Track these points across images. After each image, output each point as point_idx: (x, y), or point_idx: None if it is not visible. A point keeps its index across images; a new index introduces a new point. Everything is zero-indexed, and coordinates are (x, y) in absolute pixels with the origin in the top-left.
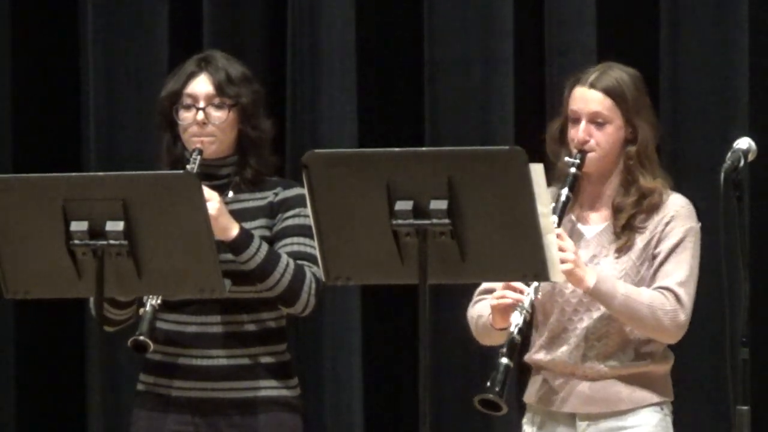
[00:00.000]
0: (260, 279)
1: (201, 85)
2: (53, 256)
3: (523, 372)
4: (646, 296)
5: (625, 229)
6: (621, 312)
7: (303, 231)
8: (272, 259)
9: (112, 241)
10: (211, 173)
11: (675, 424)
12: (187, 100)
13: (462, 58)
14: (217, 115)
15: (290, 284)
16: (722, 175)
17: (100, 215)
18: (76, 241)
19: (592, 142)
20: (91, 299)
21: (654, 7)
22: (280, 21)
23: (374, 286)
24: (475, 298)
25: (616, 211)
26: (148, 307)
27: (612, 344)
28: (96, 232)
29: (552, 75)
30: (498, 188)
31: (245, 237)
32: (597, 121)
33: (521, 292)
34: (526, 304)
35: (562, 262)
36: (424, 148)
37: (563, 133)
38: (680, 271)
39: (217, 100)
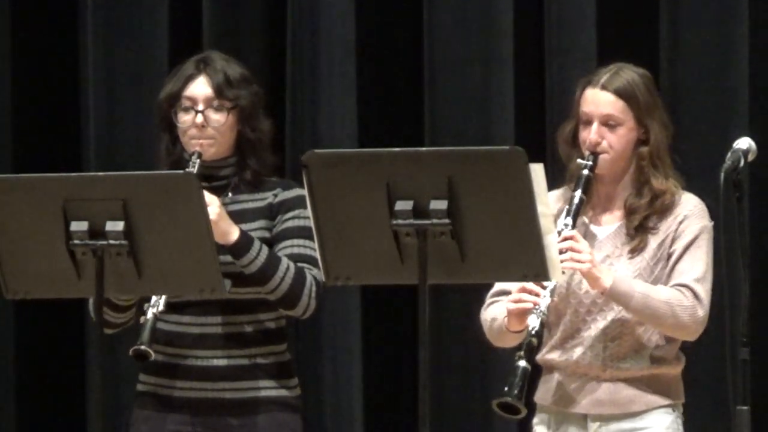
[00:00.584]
0: (261, 283)
1: (200, 88)
2: (53, 256)
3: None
4: (663, 294)
5: (638, 230)
6: (639, 311)
7: (303, 233)
8: (272, 262)
9: (112, 241)
10: (210, 174)
11: None
12: (186, 103)
13: (462, 58)
14: (216, 117)
15: (291, 287)
16: (722, 175)
17: (100, 215)
18: (76, 241)
19: (605, 143)
20: (90, 302)
21: (654, 7)
22: (280, 21)
23: (374, 286)
24: (488, 300)
25: (629, 212)
26: (149, 315)
27: (625, 346)
28: (96, 232)
29: (552, 75)
30: (498, 188)
31: (245, 241)
32: (609, 123)
33: (537, 294)
34: (543, 307)
35: (579, 262)
36: (424, 148)
37: (575, 135)
38: (696, 268)
39: (216, 103)
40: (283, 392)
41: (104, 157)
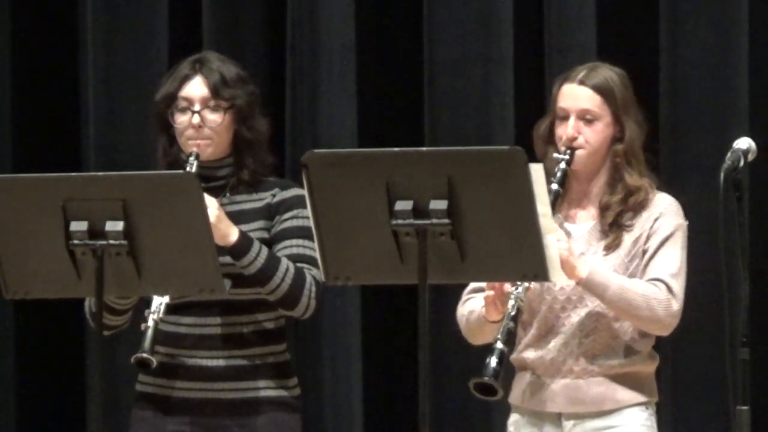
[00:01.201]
0: (260, 283)
1: (196, 88)
2: (53, 256)
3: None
4: (639, 287)
5: (612, 227)
6: (615, 302)
7: (302, 233)
8: (272, 263)
9: (111, 241)
10: (207, 175)
11: (675, 423)
12: (183, 103)
13: (462, 58)
14: (213, 117)
15: (290, 288)
16: (722, 175)
17: (99, 215)
18: (76, 241)
19: (581, 139)
20: (86, 306)
21: (654, 7)
22: (280, 21)
23: (374, 286)
24: (464, 297)
25: (603, 209)
26: (150, 322)
27: (600, 342)
28: (96, 232)
29: (552, 75)
30: (498, 188)
31: (245, 242)
32: (586, 117)
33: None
34: (521, 291)
35: None
36: (423, 148)
37: (551, 132)
38: (671, 264)
39: (212, 103)
40: (283, 392)
41: (104, 157)
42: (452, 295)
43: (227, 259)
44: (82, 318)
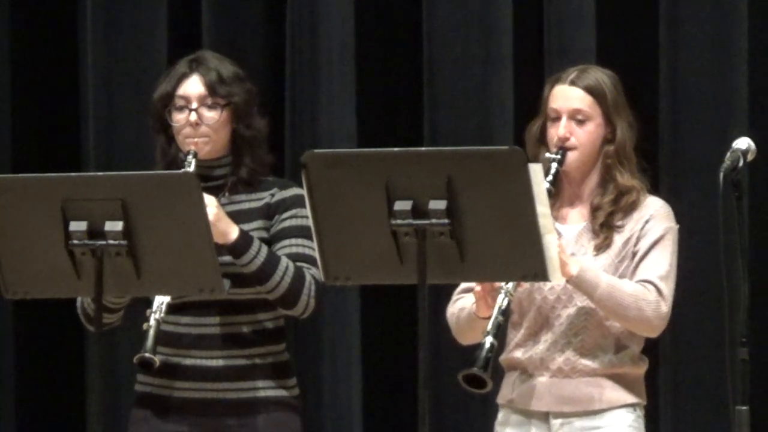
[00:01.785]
0: (260, 282)
1: (193, 86)
2: (52, 256)
3: (500, 375)
4: (628, 287)
5: (603, 228)
6: (604, 301)
7: (301, 232)
8: (272, 261)
9: (111, 241)
10: (206, 174)
11: (675, 423)
12: (180, 102)
13: (461, 58)
14: (210, 115)
15: (290, 287)
16: (721, 175)
17: (99, 215)
18: (75, 241)
19: (573, 139)
20: (78, 303)
21: (654, 8)
22: (280, 21)
23: (374, 286)
24: (455, 297)
25: (594, 209)
26: (151, 322)
27: (589, 341)
28: (95, 232)
29: (551, 75)
30: (497, 188)
31: (245, 240)
32: (577, 118)
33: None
34: (510, 286)
35: None
36: (423, 148)
37: (543, 133)
38: (660, 266)
39: (209, 101)
40: (282, 392)
41: (103, 157)
42: (451, 294)
43: (227, 258)
44: None
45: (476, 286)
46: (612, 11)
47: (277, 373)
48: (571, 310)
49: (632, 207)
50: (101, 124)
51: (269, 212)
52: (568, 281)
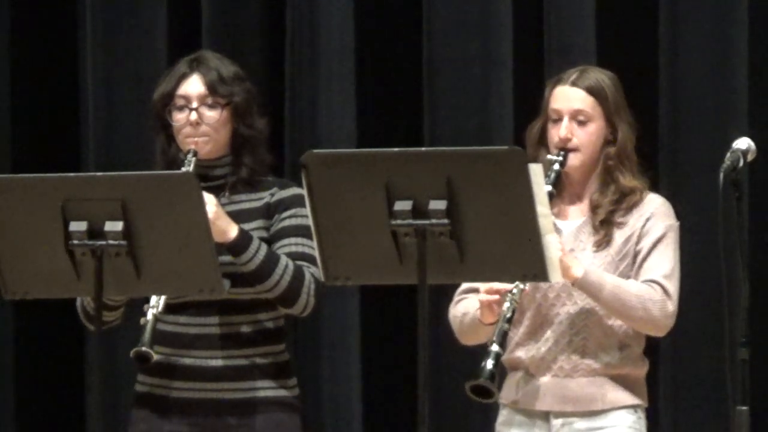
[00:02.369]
0: (260, 280)
1: (193, 86)
2: (52, 256)
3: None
4: (634, 287)
5: (603, 224)
6: (610, 302)
7: (301, 231)
8: (272, 260)
9: (111, 242)
10: (205, 174)
11: (675, 423)
12: (180, 101)
13: (461, 57)
14: (210, 114)
15: (290, 285)
16: (721, 175)
17: (99, 215)
18: (75, 242)
19: (575, 140)
20: (78, 303)
21: (654, 7)
22: (279, 21)
23: (374, 286)
24: (457, 297)
25: (594, 207)
26: (149, 317)
27: (591, 341)
28: (95, 232)
29: (552, 75)
30: (497, 188)
31: (244, 238)
32: (579, 118)
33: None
34: (516, 293)
35: None
36: (423, 148)
37: (543, 134)
38: (664, 265)
39: (209, 100)
40: (282, 392)
41: (103, 157)
42: (452, 294)
43: (227, 258)
44: None
45: (481, 294)
46: (612, 11)
47: (277, 373)
48: (571, 309)
49: (634, 205)
50: (101, 124)
51: (269, 212)
52: (573, 284)
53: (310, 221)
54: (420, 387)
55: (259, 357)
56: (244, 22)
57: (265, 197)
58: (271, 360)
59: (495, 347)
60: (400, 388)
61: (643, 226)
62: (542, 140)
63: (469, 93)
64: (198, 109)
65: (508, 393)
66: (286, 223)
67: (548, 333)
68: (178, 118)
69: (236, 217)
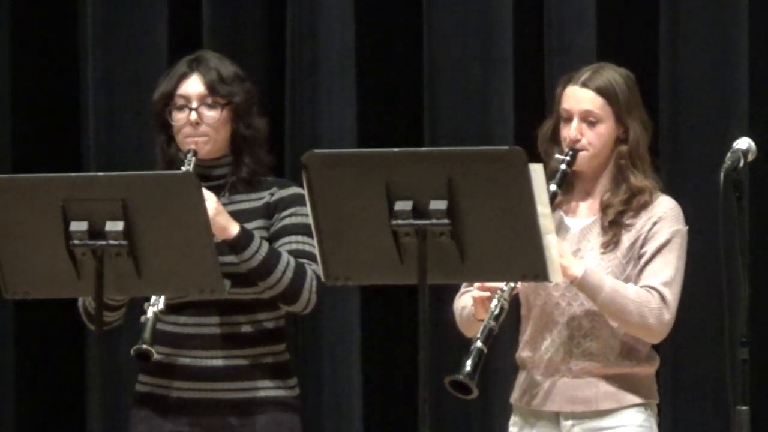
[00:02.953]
0: (262, 277)
1: (193, 86)
2: (53, 256)
3: (513, 372)
4: (632, 292)
5: (612, 225)
6: (606, 305)
7: (301, 229)
8: (273, 257)
9: (111, 242)
10: (205, 174)
11: (675, 423)
12: (180, 101)
13: (462, 58)
14: (210, 114)
15: (291, 282)
16: (722, 175)
17: (99, 215)
18: (76, 242)
19: (584, 140)
20: (79, 303)
21: (654, 7)
22: (280, 21)
23: (374, 286)
24: (462, 289)
25: (604, 207)
26: (149, 315)
27: (598, 341)
28: (95, 232)
29: (552, 75)
30: (497, 188)
31: (246, 235)
32: (589, 119)
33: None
34: (505, 291)
35: None
36: (423, 148)
37: (555, 132)
38: (666, 272)
39: (209, 100)
40: (282, 392)
41: (104, 157)
42: (452, 294)
43: (227, 258)
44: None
45: (474, 291)
46: (612, 11)
47: (277, 373)
48: (576, 309)
49: (643, 207)
50: (101, 124)
51: (269, 211)
52: (572, 283)
53: (310, 220)
54: (421, 387)
55: (259, 357)
56: (245, 22)
57: (265, 197)
58: (272, 360)
59: (478, 344)
60: (400, 388)
61: (650, 229)
62: (555, 138)
63: (469, 93)
64: (198, 109)
65: (517, 393)
66: (286, 221)
67: (554, 333)
68: (178, 117)
69: (236, 217)
